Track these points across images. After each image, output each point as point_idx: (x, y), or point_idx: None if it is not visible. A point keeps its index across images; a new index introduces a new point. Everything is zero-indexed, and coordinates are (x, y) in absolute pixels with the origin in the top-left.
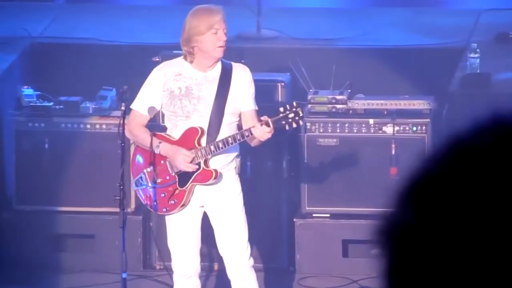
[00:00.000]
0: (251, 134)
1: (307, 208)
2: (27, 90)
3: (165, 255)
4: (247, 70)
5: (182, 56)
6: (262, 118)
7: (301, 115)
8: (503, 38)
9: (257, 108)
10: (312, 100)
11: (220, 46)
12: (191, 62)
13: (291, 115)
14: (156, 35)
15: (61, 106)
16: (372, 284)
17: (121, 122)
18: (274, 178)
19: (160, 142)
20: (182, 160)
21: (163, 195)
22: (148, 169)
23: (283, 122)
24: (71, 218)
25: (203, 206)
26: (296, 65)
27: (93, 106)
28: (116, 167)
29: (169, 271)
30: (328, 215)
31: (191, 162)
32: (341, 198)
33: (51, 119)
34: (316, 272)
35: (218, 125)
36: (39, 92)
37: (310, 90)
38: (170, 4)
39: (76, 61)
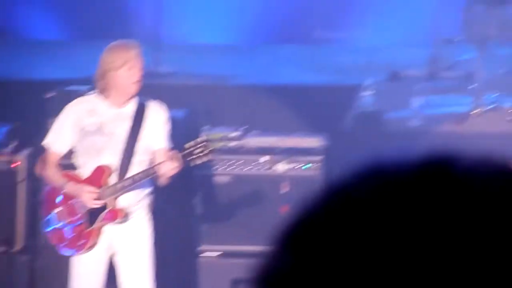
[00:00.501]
0: (159, 170)
1: (199, 247)
2: None
3: None
4: (163, 107)
5: (97, 92)
6: (169, 153)
7: (207, 150)
8: (396, 76)
9: (170, 147)
10: (205, 137)
11: (135, 82)
12: (105, 97)
13: (197, 150)
14: (52, 70)
15: None
16: None
17: (11, 159)
18: (166, 214)
19: (67, 181)
20: (88, 198)
21: (73, 235)
22: (58, 209)
23: (190, 158)
24: None
25: (111, 247)
26: (191, 101)
27: None
28: (6, 205)
29: None
30: (220, 253)
31: (97, 199)
32: (233, 237)
33: None
34: None
35: (129, 162)
36: None
37: (205, 126)
38: (68, 39)
39: None
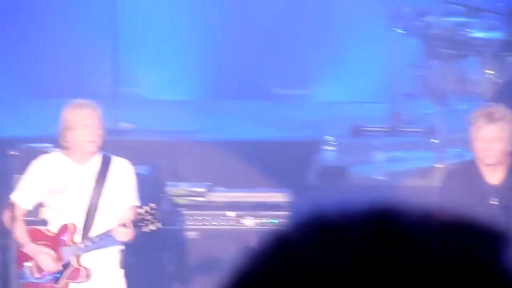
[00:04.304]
0: (115, 234)
1: None
2: None
3: None
4: (127, 164)
5: (60, 150)
6: (121, 219)
7: (156, 218)
8: (357, 131)
9: (137, 203)
10: (171, 193)
11: (91, 141)
12: (68, 155)
13: (149, 217)
14: (14, 128)
15: None
16: None
17: None
18: (138, 270)
19: (26, 242)
20: (44, 260)
21: None
22: (29, 263)
23: (140, 225)
24: None
25: None
26: (154, 157)
27: None
28: None
29: None
30: None
31: (56, 260)
32: None
33: None
34: None
35: (93, 220)
36: None
37: (170, 182)
38: (28, 97)
39: None
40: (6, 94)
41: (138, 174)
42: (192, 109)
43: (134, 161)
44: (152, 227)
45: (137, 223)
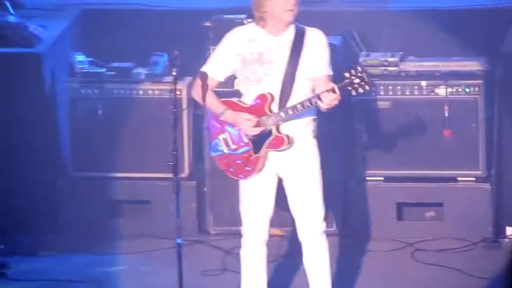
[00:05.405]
0: (320, 100)
1: (361, 171)
2: (80, 57)
3: (220, 220)
4: (321, 34)
5: (255, 21)
6: (328, 84)
7: (366, 80)
8: None
9: (331, 73)
10: (363, 63)
11: (289, 10)
12: (263, 27)
13: (357, 80)
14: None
15: (113, 72)
16: (427, 246)
17: (174, 87)
18: (328, 141)
19: (225, 109)
20: (245, 125)
21: (239, 161)
22: (223, 135)
23: (349, 88)
24: (126, 184)
25: (278, 172)
26: (347, 27)
27: (145, 72)
28: (170, 132)
29: (224, 236)
30: (382, 178)
31: (256, 126)
32: (395, 161)
33: (104, 85)
34: (371, 236)
35: (290, 90)
36: (91, 59)
37: (362, 52)
38: None
39: (127, 27)
40: None
41: (331, 45)
42: None
43: (327, 31)
44: (362, 89)
45: (346, 87)
